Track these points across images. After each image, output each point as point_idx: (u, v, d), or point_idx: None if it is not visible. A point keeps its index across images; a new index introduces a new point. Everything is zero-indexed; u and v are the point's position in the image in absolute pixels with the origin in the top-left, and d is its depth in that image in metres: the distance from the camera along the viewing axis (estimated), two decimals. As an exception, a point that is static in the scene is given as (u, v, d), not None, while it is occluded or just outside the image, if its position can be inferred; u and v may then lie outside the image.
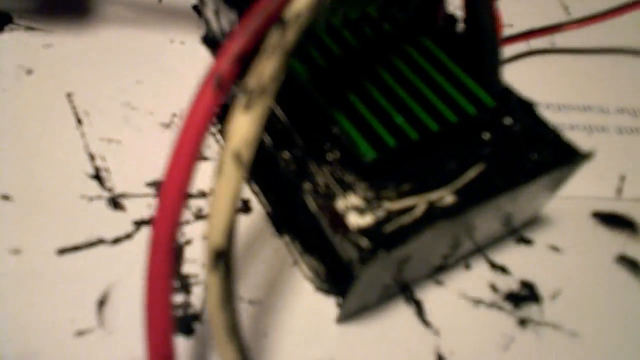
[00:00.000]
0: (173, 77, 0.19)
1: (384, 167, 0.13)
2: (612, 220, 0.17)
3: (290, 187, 0.13)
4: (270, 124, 0.14)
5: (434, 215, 0.12)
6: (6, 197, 0.15)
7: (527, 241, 0.17)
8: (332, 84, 0.13)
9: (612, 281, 0.16)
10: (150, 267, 0.09)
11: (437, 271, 0.16)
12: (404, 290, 0.15)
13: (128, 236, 0.15)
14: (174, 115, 0.18)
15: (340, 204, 0.12)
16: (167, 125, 0.18)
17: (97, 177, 0.16)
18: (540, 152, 0.14)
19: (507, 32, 0.21)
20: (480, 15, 0.13)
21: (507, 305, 0.15)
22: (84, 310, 0.14)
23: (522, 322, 0.15)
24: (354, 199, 0.12)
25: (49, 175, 0.16)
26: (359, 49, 0.14)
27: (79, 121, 0.17)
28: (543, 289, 0.16)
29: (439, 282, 0.15)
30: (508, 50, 0.22)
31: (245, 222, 0.16)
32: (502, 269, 0.16)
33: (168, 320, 0.09)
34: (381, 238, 0.12)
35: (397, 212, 0.12)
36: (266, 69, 0.08)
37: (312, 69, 0.14)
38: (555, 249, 0.16)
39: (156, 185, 0.17)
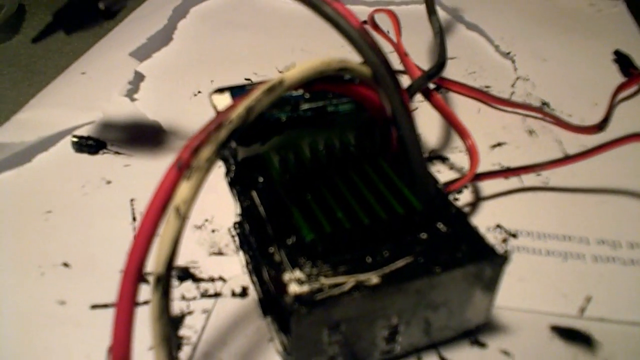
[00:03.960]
0: (212, 193, 0.24)
1: (327, 252, 0.16)
2: (569, 335, 0.18)
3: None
4: (256, 223, 0.18)
5: (358, 290, 0.15)
6: (66, 264, 0.21)
7: (481, 344, 0.18)
8: (296, 186, 0.18)
9: (558, 388, 0.17)
10: (121, 289, 0.13)
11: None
12: (358, 371, 0.17)
13: (145, 302, 0.19)
14: (206, 220, 0.23)
15: (286, 276, 0.16)
16: (199, 227, 0.23)
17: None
18: (462, 252, 0.16)
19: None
20: (403, 132, 0.16)
21: (448, 396, 0.17)
22: (97, 351, 0.18)
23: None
24: (298, 274, 0.16)
25: (102, 253, 0.21)
26: (323, 163, 0.19)
27: (134, 218, 0.23)
28: (485, 385, 0.17)
29: (390, 369, 0.17)
30: (501, 186, 0.25)
31: (240, 304, 0.20)
32: (451, 364, 0.18)
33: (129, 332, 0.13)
34: (309, 302, 0.15)
35: (329, 286, 0.15)
36: (204, 153, 0.13)
37: (284, 171, 0.18)
38: (506, 353, 0.18)
39: (175, 269, 0.21)
